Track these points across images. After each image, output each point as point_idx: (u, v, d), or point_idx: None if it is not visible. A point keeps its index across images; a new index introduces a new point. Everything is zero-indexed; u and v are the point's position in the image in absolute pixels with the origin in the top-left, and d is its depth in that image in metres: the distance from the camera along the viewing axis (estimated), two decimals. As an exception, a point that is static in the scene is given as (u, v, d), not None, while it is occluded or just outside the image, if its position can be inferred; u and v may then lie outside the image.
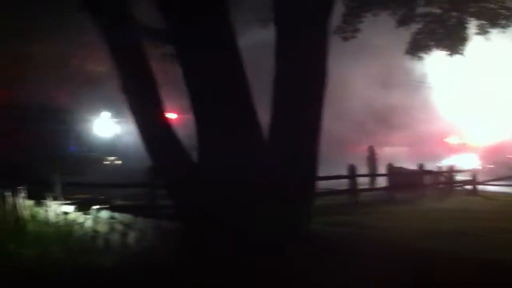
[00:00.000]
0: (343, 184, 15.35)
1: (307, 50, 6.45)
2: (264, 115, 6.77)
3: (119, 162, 17.80)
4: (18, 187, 8.46)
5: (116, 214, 7.67)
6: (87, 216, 7.96)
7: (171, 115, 11.98)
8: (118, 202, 9.88)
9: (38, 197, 8.67)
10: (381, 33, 16.88)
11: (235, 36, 6.56)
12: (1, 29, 15.67)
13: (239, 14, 7.07)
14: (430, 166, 19.72)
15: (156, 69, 7.29)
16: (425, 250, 6.93)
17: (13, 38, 16.16)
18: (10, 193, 8.53)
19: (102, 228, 7.76)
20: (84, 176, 14.20)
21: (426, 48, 13.34)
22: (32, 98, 15.70)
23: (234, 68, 6.51)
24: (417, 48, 13.39)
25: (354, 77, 22.98)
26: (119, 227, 7.58)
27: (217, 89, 6.38)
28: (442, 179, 20.05)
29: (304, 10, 6.44)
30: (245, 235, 6.02)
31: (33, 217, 8.41)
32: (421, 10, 12.74)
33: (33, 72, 16.77)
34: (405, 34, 13.62)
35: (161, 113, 7.01)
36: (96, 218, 7.85)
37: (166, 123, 7.04)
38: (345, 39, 12.58)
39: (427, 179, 19.09)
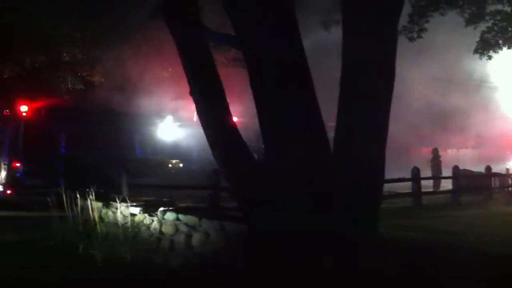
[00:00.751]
0: (406, 187, 15.01)
1: (376, 51, 6.32)
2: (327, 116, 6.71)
3: (182, 165, 18.10)
4: (87, 189, 8.75)
5: (181, 216, 7.78)
6: (153, 218, 8.13)
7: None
8: (183, 204, 10.03)
9: (106, 198, 8.94)
10: (442, 32, 16.46)
11: (301, 39, 6.55)
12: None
13: (301, 16, 7.02)
14: (496, 168, 18.95)
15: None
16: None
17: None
18: (79, 195, 8.85)
19: (167, 229, 7.92)
20: (149, 178, 14.55)
21: (496, 46, 12.92)
22: (99, 101, 16.23)
23: (301, 71, 6.49)
24: (486, 47, 12.99)
25: (414, 77, 22.38)
26: (183, 228, 7.70)
27: (285, 92, 6.37)
28: (510, 181, 19.24)
29: (374, 9, 6.34)
30: (310, 238, 5.97)
31: (102, 218, 8.69)
32: (490, 8, 12.37)
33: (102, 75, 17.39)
34: (465, 33, 13.32)
35: (227, 116, 7.08)
36: (161, 220, 8.01)
37: (232, 125, 7.11)
38: (411, 39, 12.36)
39: (494, 182, 18.37)
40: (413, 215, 11.97)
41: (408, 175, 14.92)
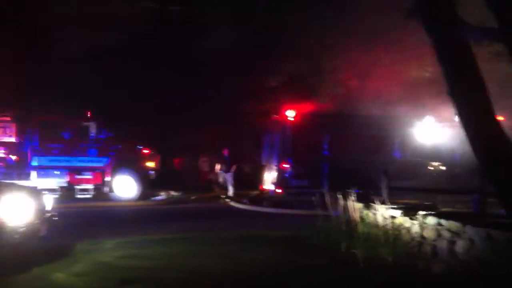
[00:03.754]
0: None
1: None
2: None
3: (443, 167, 17.34)
4: (349, 190, 9.07)
5: (443, 221, 7.49)
6: (413, 221, 8.01)
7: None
8: (445, 209, 9.60)
9: (366, 200, 9.13)
10: None
11: None
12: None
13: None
14: None
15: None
16: None
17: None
18: (341, 196, 9.23)
19: (429, 234, 7.70)
20: (409, 181, 14.35)
21: None
22: (358, 104, 16.61)
23: None
24: None
25: None
26: (446, 234, 7.40)
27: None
28: None
29: None
30: None
31: (362, 219, 8.90)
32: None
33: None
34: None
35: (489, 113, 6.60)
36: (422, 224, 7.84)
37: (495, 123, 6.59)
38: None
39: None
40: None
41: None
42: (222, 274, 6.89)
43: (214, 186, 19.79)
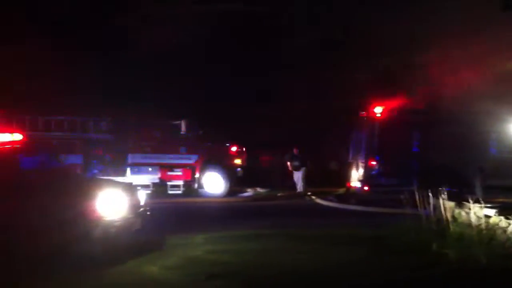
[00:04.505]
0: None
1: None
2: None
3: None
4: (440, 188, 8.74)
5: (543, 222, 7.06)
6: (510, 221, 7.59)
7: None
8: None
9: (458, 198, 8.77)
10: None
11: None
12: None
13: None
14: None
15: None
16: None
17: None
18: (432, 194, 8.92)
19: (527, 235, 7.29)
20: (506, 180, 13.58)
21: None
22: (448, 100, 15.98)
23: None
24: None
25: None
26: (546, 235, 6.96)
27: None
28: None
29: None
30: None
31: (454, 218, 8.55)
32: None
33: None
34: None
35: None
36: (519, 224, 7.42)
37: None
38: None
39: None
40: None
41: None
42: (309, 272, 6.89)
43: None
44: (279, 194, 18.26)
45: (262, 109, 20.57)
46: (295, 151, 18.68)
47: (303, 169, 18.55)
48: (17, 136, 8.25)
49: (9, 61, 14.95)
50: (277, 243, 8.71)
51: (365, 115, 16.67)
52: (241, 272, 6.81)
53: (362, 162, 16.29)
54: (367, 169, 16.07)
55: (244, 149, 18.54)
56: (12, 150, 8.12)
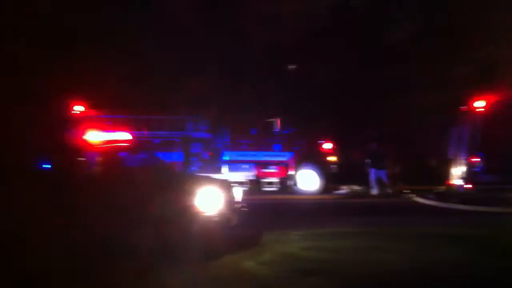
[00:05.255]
0: None
1: None
2: None
3: None
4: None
5: None
6: None
7: None
8: None
9: None
10: None
11: None
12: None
13: None
14: None
15: None
16: None
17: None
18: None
19: None
20: None
21: None
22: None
23: None
24: None
25: None
26: None
27: None
28: None
29: None
30: None
31: None
32: None
33: None
34: None
35: None
36: None
37: None
38: None
39: None
40: None
41: None
42: (405, 272, 6.74)
43: (397, 181, 19.32)
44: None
45: (357, 105, 20.29)
46: (373, 146, 17.57)
47: (383, 167, 17.22)
48: (126, 135, 8.77)
49: (122, 64, 15.80)
50: (373, 241, 8.59)
51: (466, 109, 15.99)
52: (337, 270, 6.80)
53: (464, 159, 15.65)
54: (470, 166, 15.43)
55: (338, 146, 18.39)
56: (120, 148, 8.65)
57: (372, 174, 17.29)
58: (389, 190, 17.31)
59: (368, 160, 17.60)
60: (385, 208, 14.48)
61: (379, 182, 17.29)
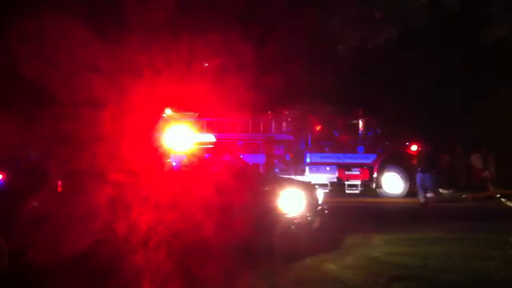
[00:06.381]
0: None
1: None
2: None
3: None
4: None
5: None
6: None
7: None
8: None
9: None
10: None
11: None
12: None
13: None
14: None
15: None
16: None
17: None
18: None
19: None
20: None
21: None
22: None
23: None
24: None
25: None
26: None
27: None
28: None
29: None
30: None
31: None
32: None
33: None
34: None
35: None
36: None
37: None
38: None
39: None
40: None
41: None
42: (501, 281, 6.39)
43: (488, 185, 18.41)
44: (464, 196, 17.15)
45: (447, 106, 19.57)
46: (421, 148, 15.80)
47: (431, 170, 15.21)
48: (211, 138, 8.97)
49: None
50: (463, 247, 8.20)
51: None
52: (423, 276, 6.58)
53: None
54: None
55: (425, 148, 17.73)
56: (205, 150, 8.85)
57: (418, 178, 15.29)
58: (431, 196, 15.89)
59: (418, 163, 15.66)
60: (476, 213, 13.80)
61: (424, 187, 15.25)
